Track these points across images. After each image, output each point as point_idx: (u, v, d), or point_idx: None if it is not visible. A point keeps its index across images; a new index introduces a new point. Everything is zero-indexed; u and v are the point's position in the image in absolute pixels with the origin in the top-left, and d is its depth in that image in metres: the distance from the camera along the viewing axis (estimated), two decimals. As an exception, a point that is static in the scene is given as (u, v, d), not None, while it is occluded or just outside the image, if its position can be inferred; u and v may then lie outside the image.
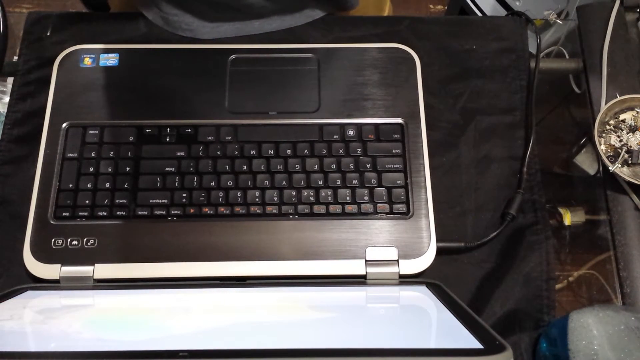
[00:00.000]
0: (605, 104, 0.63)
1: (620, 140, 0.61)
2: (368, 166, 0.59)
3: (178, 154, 0.60)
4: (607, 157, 0.61)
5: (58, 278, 0.55)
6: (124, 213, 0.57)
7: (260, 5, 0.64)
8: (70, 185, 0.58)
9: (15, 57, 0.66)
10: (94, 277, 0.55)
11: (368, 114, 0.62)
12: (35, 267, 0.55)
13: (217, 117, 0.61)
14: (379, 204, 0.58)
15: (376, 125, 0.61)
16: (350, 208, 0.58)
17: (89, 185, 0.58)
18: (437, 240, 0.57)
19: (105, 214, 0.57)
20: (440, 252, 0.57)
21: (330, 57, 0.64)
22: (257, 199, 0.58)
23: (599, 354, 0.47)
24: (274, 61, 0.64)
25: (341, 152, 0.60)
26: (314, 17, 0.68)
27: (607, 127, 0.62)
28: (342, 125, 0.61)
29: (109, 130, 0.60)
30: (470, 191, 0.61)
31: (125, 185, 0.58)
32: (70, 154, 0.59)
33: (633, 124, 0.62)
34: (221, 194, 0.58)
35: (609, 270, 0.59)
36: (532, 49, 0.67)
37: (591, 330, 0.48)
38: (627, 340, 0.47)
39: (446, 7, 1.53)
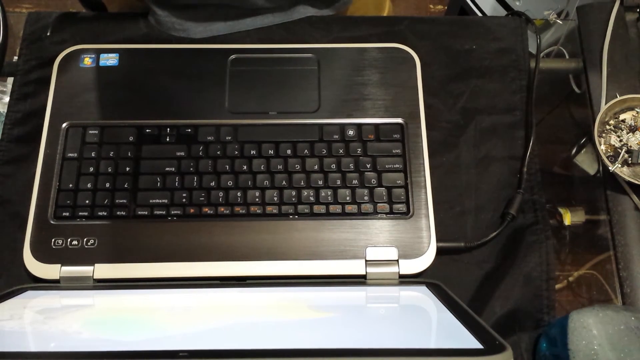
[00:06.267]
0: (605, 104, 0.63)
1: (620, 140, 0.61)
2: (368, 166, 0.59)
3: (178, 154, 0.60)
4: (607, 157, 0.61)
5: (58, 278, 0.55)
6: (124, 213, 0.57)
7: (252, 2, 0.64)
8: (70, 185, 0.58)
9: (15, 57, 0.66)
10: (94, 277, 0.55)
11: (368, 114, 0.62)
12: (35, 267, 0.55)
13: (217, 117, 0.61)
14: (379, 204, 0.58)
15: (376, 125, 0.61)
16: (350, 208, 0.58)
17: (89, 185, 0.58)
18: (437, 240, 0.57)
19: (105, 214, 0.57)
20: (440, 252, 0.57)
21: (330, 57, 0.64)
22: (257, 199, 0.58)
23: (599, 354, 0.47)
24: (274, 61, 0.64)
25: (341, 152, 0.60)
26: (306, 14, 0.68)
27: (607, 127, 0.62)
28: (342, 125, 0.61)
29: (109, 130, 0.60)
30: (470, 191, 0.61)
31: (125, 185, 0.58)
32: (70, 154, 0.59)
33: (633, 124, 0.62)
34: (221, 194, 0.58)
35: (609, 270, 0.59)
36: (532, 49, 0.67)
37: (591, 330, 0.48)
38: (627, 340, 0.47)
39: (446, 7, 1.53)
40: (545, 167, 0.63)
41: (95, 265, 0.55)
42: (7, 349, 0.39)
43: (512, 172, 0.62)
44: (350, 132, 0.61)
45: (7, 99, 0.64)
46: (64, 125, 0.60)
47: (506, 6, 1.21)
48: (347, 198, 0.58)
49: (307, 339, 0.42)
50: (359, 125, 0.61)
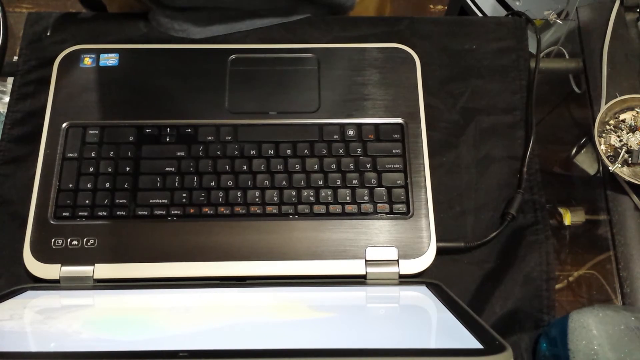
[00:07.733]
0: (605, 104, 0.63)
1: (620, 140, 0.61)
2: (368, 166, 0.59)
3: (178, 154, 0.60)
4: (607, 157, 0.61)
5: (58, 278, 0.55)
6: (124, 213, 0.57)
7: (253, 6, 0.64)
8: (70, 185, 0.58)
9: (15, 57, 0.66)
10: (94, 277, 0.55)
11: (368, 114, 0.62)
12: (35, 267, 0.55)
13: (217, 117, 0.61)
14: (379, 204, 0.58)
15: (376, 125, 0.61)
16: (350, 208, 0.58)
17: (89, 185, 0.58)
18: (437, 240, 0.57)
19: (105, 214, 0.57)
20: (440, 252, 0.57)
21: (330, 57, 0.64)
22: (257, 199, 0.58)
23: (599, 354, 0.47)
24: (274, 61, 0.64)
25: (341, 152, 0.60)
26: (305, 14, 0.68)
27: (607, 127, 0.62)
28: (342, 125, 0.61)
29: (109, 130, 0.60)
30: (470, 191, 0.61)
31: (125, 185, 0.58)
32: (70, 154, 0.59)
33: (633, 124, 0.62)
34: (221, 194, 0.58)
35: (609, 270, 0.59)
36: (532, 49, 0.67)
37: (591, 330, 0.48)
38: (627, 340, 0.47)
39: (446, 7, 1.53)
40: (545, 167, 0.63)
41: (95, 265, 0.55)
42: (7, 349, 0.39)
43: (512, 172, 0.62)
44: (350, 132, 0.61)
45: (7, 99, 0.64)
46: (64, 125, 0.60)
47: (506, 6, 1.21)
48: (347, 198, 0.58)
49: (307, 339, 0.42)
50: (359, 125, 0.61)
